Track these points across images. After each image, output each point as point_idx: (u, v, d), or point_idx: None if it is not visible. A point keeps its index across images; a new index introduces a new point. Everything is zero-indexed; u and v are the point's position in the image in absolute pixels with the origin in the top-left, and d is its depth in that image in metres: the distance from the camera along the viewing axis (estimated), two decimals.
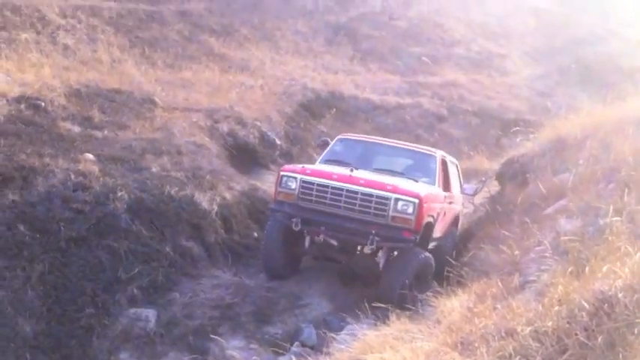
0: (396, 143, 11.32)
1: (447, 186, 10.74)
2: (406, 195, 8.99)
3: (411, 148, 11.08)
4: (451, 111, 20.12)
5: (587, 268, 5.56)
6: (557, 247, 6.90)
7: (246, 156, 13.84)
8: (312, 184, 9.24)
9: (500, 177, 12.51)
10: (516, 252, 7.71)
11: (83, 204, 9.21)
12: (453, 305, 6.68)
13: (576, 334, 4.60)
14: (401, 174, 10.06)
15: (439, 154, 10.87)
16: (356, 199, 9.03)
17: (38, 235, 8.69)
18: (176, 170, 10.78)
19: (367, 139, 11.34)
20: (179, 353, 7.95)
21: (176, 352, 7.96)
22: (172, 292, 8.96)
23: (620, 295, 4.78)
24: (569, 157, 10.07)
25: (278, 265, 9.74)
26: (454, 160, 12.19)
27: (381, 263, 9.28)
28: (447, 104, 20.43)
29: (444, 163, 10.77)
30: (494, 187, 13.06)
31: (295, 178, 9.35)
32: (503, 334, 5.08)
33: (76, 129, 11.07)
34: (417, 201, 8.92)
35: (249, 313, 8.52)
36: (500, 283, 6.68)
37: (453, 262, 8.48)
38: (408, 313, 7.39)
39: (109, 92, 12.84)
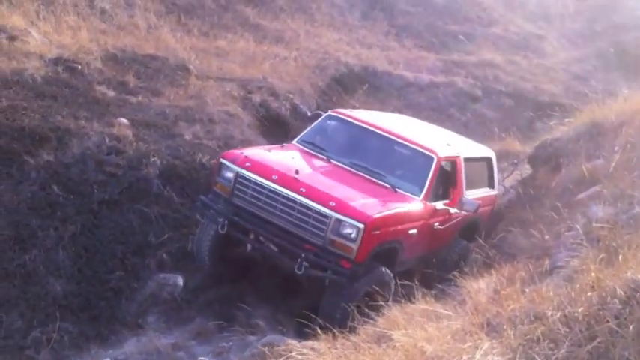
0: (391, 133, 9.03)
1: (447, 193, 9.04)
2: (350, 216, 7.39)
3: (406, 142, 8.91)
4: (485, 91, 19.86)
5: (620, 257, 5.51)
6: (588, 234, 6.87)
7: (277, 128, 13.82)
8: (249, 180, 7.91)
9: (533, 160, 12.39)
10: (546, 236, 7.68)
11: (116, 168, 9.34)
12: (479, 286, 6.68)
13: (607, 321, 4.57)
14: (380, 175, 8.47)
15: (441, 154, 8.86)
16: (293, 209, 7.62)
17: (71, 197, 8.84)
18: (208, 139, 10.82)
19: (358, 122, 9.22)
20: (205, 319, 8.05)
21: (202, 318, 8.06)
22: None
23: None
24: (604, 143, 9.96)
25: (213, 268, 8.56)
26: (482, 154, 10.48)
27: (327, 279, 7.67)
28: (482, 84, 20.15)
29: (442, 167, 8.83)
30: (525, 170, 12.93)
31: (232, 169, 8.04)
32: (532, 318, 5.07)
33: (111, 93, 11.14)
34: (362, 226, 7.31)
35: (277, 284, 8.56)
36: (529, 267, 6.65)
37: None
38: (433, 292, 7.42)
39: (144, 58, 12.88)
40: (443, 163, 8.88)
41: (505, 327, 5.09)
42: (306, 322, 6.76)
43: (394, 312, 6.43)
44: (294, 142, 9.23)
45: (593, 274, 5.28)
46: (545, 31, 27.32)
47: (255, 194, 7.85)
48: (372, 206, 7.68)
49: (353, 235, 7.35)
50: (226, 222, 7.84)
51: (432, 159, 8.72)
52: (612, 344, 4.48)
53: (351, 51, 19.92)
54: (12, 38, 11.25)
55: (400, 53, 21.34)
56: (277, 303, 8.33)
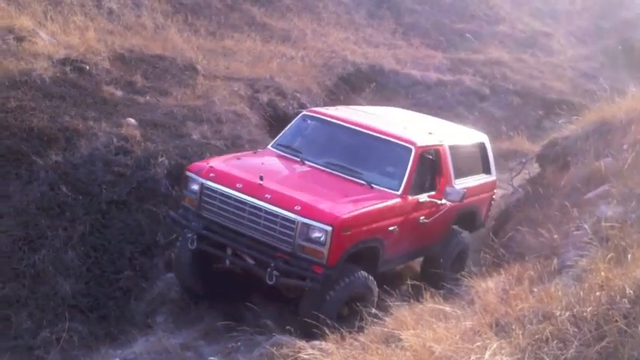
0: (366, 127, 8.70)
1: (434, 184, 8.73)
2: (317, 219, 7.08)
3: (382, 135, 8.56)
4: (493, 89, 19.84)
5: (629, 256, 5.49)
6: (597, 233, 6.83)
7: (285, 127, 13.83)
8: (215, 191, 7.62)
9: (541, 159, 12.35)
10: (555, 235, 7.64)
11: (124, 168, 9.38)
12: (487, 286, 6.66)
13: (616, 321, 4.56)
14: (357, 173, 8.15)
15: (420, 144, 8.49)
16: (260, 216, 7.32)
17: (80, 197, 8.89)
18: (216, 138, 10.83)
19: (332, 119, 8.91)
20: (213, 319, 8.06)
21: (211, 318, 8.08)
22: None
23: None
24: (613, 142, 9.91)
25: (196, 288, 8.25)
26: (472, 139, 10.16)
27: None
28: (489, 82, 20.13)
29: (422, 157, 8.45)
30: (534, 169, 12.90)
31: (197, 181, 7.76)
32: (541, 318, 5.05)
33: (119, 93, 11.17)
34: (329, 229, 6.99)
35: None
36: (538, 266, 6.63)
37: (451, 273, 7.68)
38: (442, 291, 7.40)
39: (151, 58, 12.90)
40: (424, 153, 8.53)
41: (514, 327, 5.08)
42: (314, 322, 6.76)
43: (402, 312, 6.42)
44: (269, 146, 8.98)
45: (602, 273, 5.26)
46: (552, 28, 27.22)
47: (222, 205, 7.56)
48: (340, 206, 7.37)
49: (322, 239, 7.04)
50: (195, 237, 7.59)
51: (409, 150, 8.34)
52: (621, 344, 4.47)
53: (358, 50, 19.90)
54: (20, 39, 11.28)
55: (407, 52, 21.32)
56: (285, 302, 8.33)
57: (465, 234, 9.64)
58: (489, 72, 20.97)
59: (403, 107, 15.55)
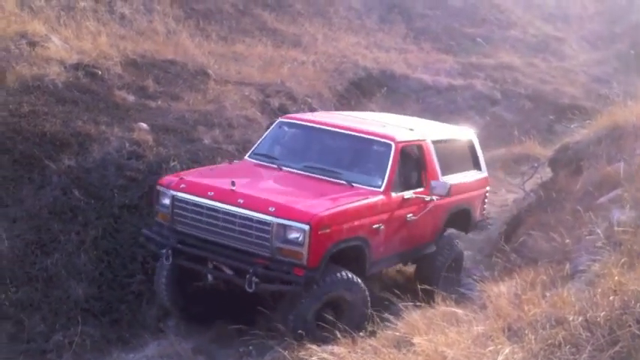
0: (344, 127, 8.53)
1: (421, 180, 8.46)
2: (293, 218, 6.86)
3: (361, 134, 8.38)
4: (504, 94, 19.80)
5: None
6: (609, 237, 6.78)
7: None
8: (186, 202, 7.36)
9: (553, 163, 12.29)
10: (567, 240, 7.60)
11: (136, 172, 9.43)
12: (500, 291, 6.62)
13: (629, 326, 4.53)
14: (336, 174, 7.94)
15: (400, 139, 8.28)
16: (235, 222, 7.07)
17: (92, 201, 8.94)
18: (227, 143, 10.87)
19: (309, 123, 8.74)
20: (224, 323, 8.06)
21: (222, 322, 8.08)
22: None
23: None
24: (625, 146, 9.84)
25: (175, 308, 8.02)
26: (458, 135, 9.89)
27: None
28: (501, 87, 20.11)
29: (404, 152, 8.25)
30: (546, 173, 12.84)
31: (167, 194, 7.48)
32: (553, 322, 5.03)
33: (131, 98, 11.25)
34: (307, 227, 6.76)
35: None
36: (550, 271, 6.60)
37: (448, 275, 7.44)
38: (453, 296, 7.38)
39: (163, 63, 12.98)
40: (406, 149, 8.33)
41: (526, 332, 5.05)
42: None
43: (414, 316, 6.40)
44: (245, 156, 8.80)
45: (615, 278, 5.23)
46: (564, 32, 27.15)
47: (195, 215, 7.30)
48: (317, 204, 7.14)
49: (300, 239, 6.78)
50: (170, 251, 7.31)
51: (389, 145, 8.11)
52: (634, 349, 4.44)
53: (368, 54, 19.93)
54: (33, 44, 11.38)
55: (418, 56, 21.32)
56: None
57: (449, 235, 9.30)
58: (500, 76, 20.94)
59: (414, 112, 15.58)
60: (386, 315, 6.90)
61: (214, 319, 7.99)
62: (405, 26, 23.37)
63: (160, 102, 11.54)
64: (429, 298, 6.93)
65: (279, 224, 6.85)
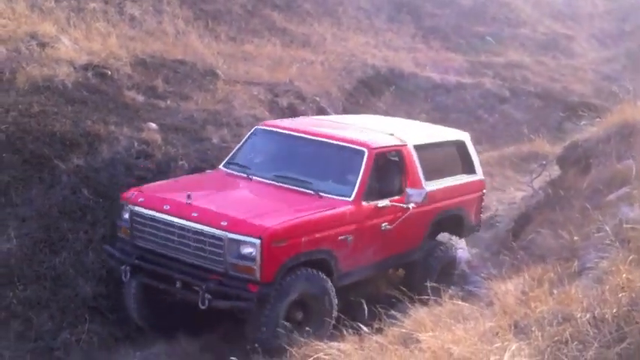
0: (317, 134, 8.34)
1: (401, 187, 8.19)
2: (244, 233, 6.69)
3: (333, 141, 8.16)
4: (513, 92, 19.73)
5: None
6: (618, 235, 6.77)
7: None
8: (143, 217, 7.27)
9: (562, 161, 12.26)
10: (575, 237, 7.58)
11: (145, 171, 9.44)
12: (507, 288, 6.62)
13: (637, 322, 4.52)
14: (306, 184, 7.75)
15: (375, 146, 8.03)
16: (189, 237, 6.95)
17: (101, 200, 8.95)
18: (236, 142, 10.79)
19: (284, 130, 8.58)
20: (232, 321, 8.07)
21: (229, 320, 8.09)
22: None
23: None
24: (634, 144, 9.82)
25: (142, 322, 7.92)
26: (448, 137, 9.61)
27: None
28: (510, 85, 20.04)
29: (380, 159, 8.04)
30: (555, 171, 12.81)
31: (127, 208, 7.42)
32: (560, 319, 5.02)
33: (140, 98, 11.27)
34: (258, 242, 6.60)
35: None
36: (558, 268, 6.59)
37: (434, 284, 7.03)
38: (460, 293, 7.37)
39: (172, 63, 13.00)
40: (383, 156, 8.13)
41: (533, 329, 5.05)
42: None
43: (420, 313, 6.40)
44: (220, 165, 8.68)
45: (623, 275, 5.22)
46: (573, 31, 27.03)
47: (153, 230, 7.22)
48: (272, 217, 6.97)
49: (253, 254, 6.62)
50: (128, 268, 7.23)
51: (362, 153, 7.86)
52: None
53: (377, 53, 19.90)
54: (43, 45, 11.42)
55: (427, 55, 21.28)
56: None
57: (436, 243, 9.03)
58: (510, 74, 20.87)
59: (422, 110, 15.61)
60: (392, 312, 6.90)
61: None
62: (414, 25, 23.33)
63: (169, 102, 11.56)
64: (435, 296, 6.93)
65: (230, 239, 6.72)
